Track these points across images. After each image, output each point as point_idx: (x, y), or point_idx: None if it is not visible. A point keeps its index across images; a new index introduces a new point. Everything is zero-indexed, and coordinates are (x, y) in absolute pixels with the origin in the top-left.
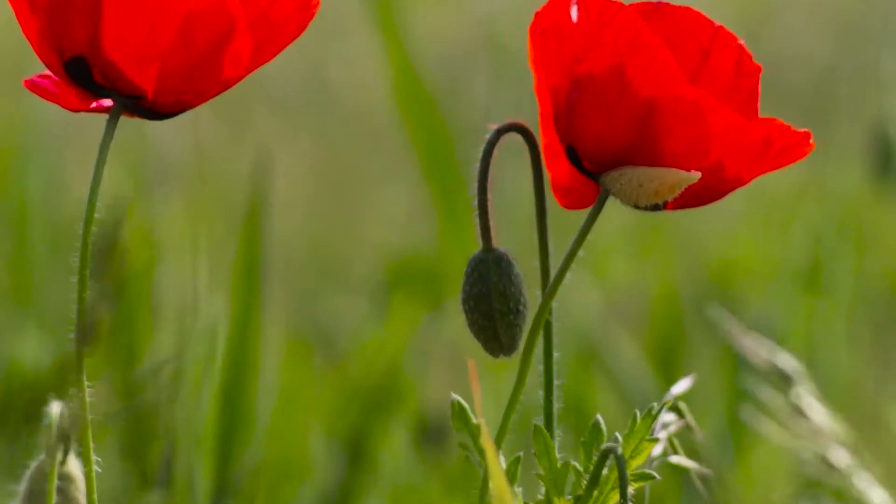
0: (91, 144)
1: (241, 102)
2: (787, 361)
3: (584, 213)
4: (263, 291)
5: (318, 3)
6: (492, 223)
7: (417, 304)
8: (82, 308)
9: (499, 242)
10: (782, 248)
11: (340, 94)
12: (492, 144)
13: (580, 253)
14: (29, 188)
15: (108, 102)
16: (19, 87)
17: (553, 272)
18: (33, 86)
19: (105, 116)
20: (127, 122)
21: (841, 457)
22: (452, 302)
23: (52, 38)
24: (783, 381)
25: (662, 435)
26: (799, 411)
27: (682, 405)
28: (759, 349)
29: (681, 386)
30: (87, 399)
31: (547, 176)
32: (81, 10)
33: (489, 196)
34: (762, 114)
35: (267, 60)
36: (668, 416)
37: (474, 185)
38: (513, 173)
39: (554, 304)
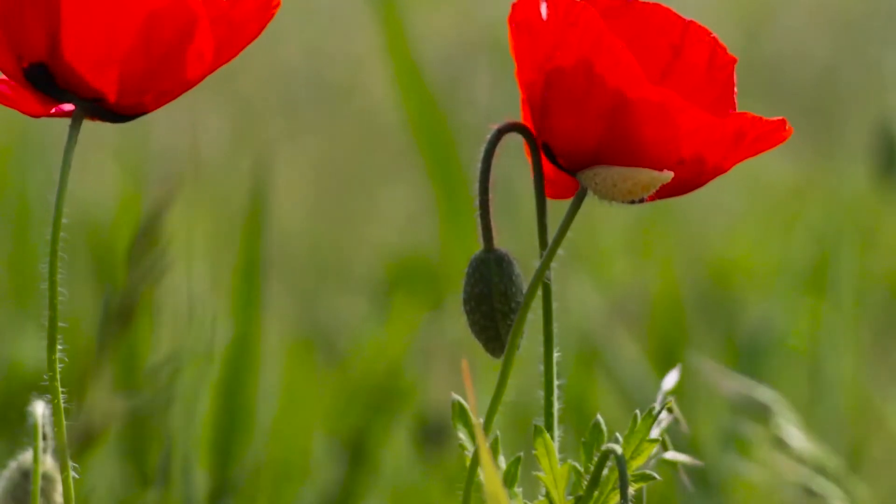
0: (91, 145)
1: (242, 102)
2: (764, 393)
3: (582, 214)
4: (264, 291)
5: (279, 4)
6: (493, 223)
7: (418, 304)
8: (54, 315)
9: (500, 242)
10: (784, 248)
11: (342, 94)
12: (493, 144)
13: (577, 252)
14: (29, 188)
15: (68, 107)
16: None
17: (553, 272)
18: None
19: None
20: (128, 123)
21: (823, 485)
22: (453, 301)
23: (9, 45)
24: (762, 412)
25: (655, 433)
26: (780, 442)
27: (672, 400)
28: (734, 384)
29: (670, 380)
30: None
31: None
32: (39, 16)
33: (490, 196)
34: (764, 115)
35: (227, 60)
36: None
37: (476, 185)
38: (514, 173)
39: (554, 305)
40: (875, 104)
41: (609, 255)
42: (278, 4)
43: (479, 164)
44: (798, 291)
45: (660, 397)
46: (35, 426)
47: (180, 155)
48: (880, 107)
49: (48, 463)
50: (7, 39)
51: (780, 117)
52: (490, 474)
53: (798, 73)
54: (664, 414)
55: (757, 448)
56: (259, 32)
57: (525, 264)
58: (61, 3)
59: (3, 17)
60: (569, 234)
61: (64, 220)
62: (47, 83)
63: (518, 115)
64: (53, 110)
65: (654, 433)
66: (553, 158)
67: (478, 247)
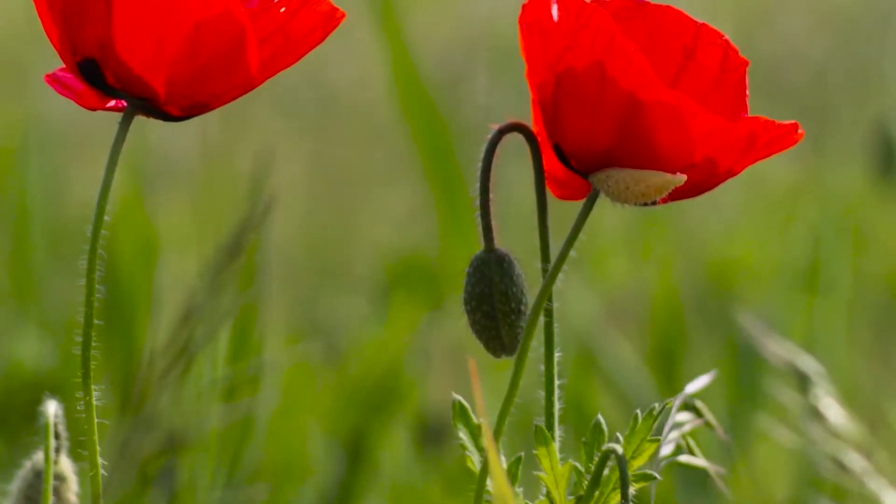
0: (91, 144)
1: (242, 102)
2: (807, 363)
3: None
4: (263, 291)
5: (343, 16)
6: (494, 223)
7: (417, 303)
8: (89, 312)
9: (500, 242)
10: (782, 248)
11: (341, 93)
12: (493, 144)
13: (576, 253)
14: (29, 188)
15: (123, 102)
16: (19, 87)
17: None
18: (54, 81)
19: (106, 120)
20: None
21: (855, 459)
22: (452, 302)
23: (67, 41)
24: (802, 382)
25: (674, 435)
26: (816, 413)
27: (700, 404)
28: (779, 350)
29: (695, 385)
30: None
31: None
32: (93, 13)
33: (491, 196)
34: (761, 115)
35: (285, 67)
36: (681, 416)
37: (476, 185)
38: (514, 173)
39: (554, 305)
40: (872, 104)
41: (608, 255)
42: (343, 16)
43: (479, 164)
44: (796, 291)
45: (677, 401)
46: (46, 425)
47: (180, 155)
48: (877, 106)
49: (63, 462)
50: (66, 33)
51: (791, 121)
52: (497, 475)
53: (795, 72)
54: (688, 416)
55: (793, 416)
56: (321, 41)
57: (526, 265)
58: (114, 3)
59: (65, 9)
60: (565, 233)
61: (64, 221)
62: (98, 79)
63: (517, 115)
64: (110, 104)
65: (674, 435)
66: (565, 160)
67: (477, 247)
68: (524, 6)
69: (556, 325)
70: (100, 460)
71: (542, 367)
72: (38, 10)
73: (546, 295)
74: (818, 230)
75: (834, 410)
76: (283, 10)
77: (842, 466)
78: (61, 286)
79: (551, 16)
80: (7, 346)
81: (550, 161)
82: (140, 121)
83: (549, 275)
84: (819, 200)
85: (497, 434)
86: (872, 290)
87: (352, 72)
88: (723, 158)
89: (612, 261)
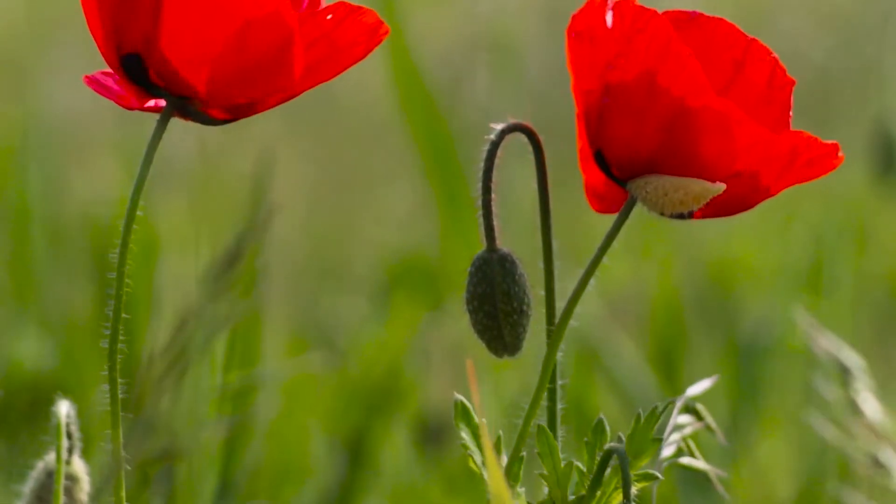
0: (91, 144)
1: None
2: (849, 357)
3: (584, 214)
4: (264, 294)
5: (387, 31)
6: (496, 223)
7: (418, 303)
8: (118, 306)
9: (502, 242)
10: (783, 248)
11: (341, 93)
12: (496, 145)
13: (576, 253)
14: (29, 188)
15: (162, 102)
16: (19, 87)
17: (556, 273)
18: (93, 82)
19: (106, 120)
20: (127, 122)
21: (890, 457)
22: (453, 301)
23: (112, 35)
24: (844, 375)
25: (676, 436)
26: (854, 407)
27: (701, 407)
28: (822, 342)
29: (697, 388)
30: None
31: (556, 171)
32: (141, 7)
33: (493, 196)
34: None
35: (329, 78)
36: (683, 418)
37: (478, 185)
38: (516, 173)
39: (556, 305)
40: (873, 104)
41: (608, 255)
42: (387, 32)
43: (481, 164)
44: (797, 291)
45: (679, 403)
46: (58, 425)
47: (180, 155)
48: (878, 106)
49: (75, 463)
50: (112, 27)
51: (833, 141)
52: (495, 475)
53: (796, 72)
54: (688, 419)
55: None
56: (365, 55)
57: (527, 265)
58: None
59: (113, 5)
60: (571, 234)
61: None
62: (141, 75)
63: (518, 115)
64: (148, 104)
65: (675, 437)
66: (606, 168)
67: (478, 246)
68: (574, 16)
69: (556, 325)
70: (123, 454)
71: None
72: (83, 4)
73: (576, 302)
74: (819, 230)
75: (871, 405)
76: (329, 17)
77: (877, 462)
78: (61, 286)
79: (604, 22)
80: (7, 347)
81: (591, 174)
82: (140, 121)
83: (580, 282)
84: (820, 200)
85: (522, 435)
86: (873, 290)
87: (352, 72)
88: (764, 172)
89: (612, 261)
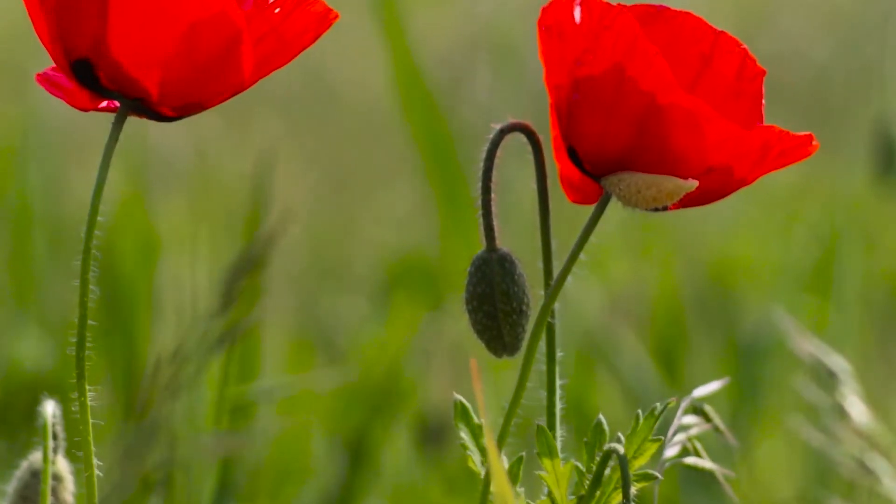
0: (91, 144)
1: (241, 101)
2: (835, 361)
3: (585, 214)
4: (264, 291)
5: (336, 16)
6: (495, 223)
7: (418, 303)
8: (83, 312)
9: (501, 242)
10: (784, 248)
11: (341, 93)
12: (495, 144)
13: (581, 254)
14: (29, 188)
15: (116, 102)
16: (19, 87)
17: (556, 273)
18: (45, 80)
19: (106, 120)
20: (126, 122)
21: (877, 460)
22: (453, 301)
23: (60, 40)
24: (830, 379)
25: (681, 437)
26: (841, 411)
27: (709, 409)
28: (808, 346)
29: (704, 389)
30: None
31: (556, 170)
32: (88, 13)
33: (493, 196)
34: (762, 115)
35: (277, 68)
36: (688, 419)
37: (478, 185)
38: (516, 173)
39: (556, 305)
40: (873, 103)
41: (609, 255)
42: (336, 17)
43: (480, 164)
44: (798, 291)
45: (684, 404)
46: (45, 426)
47: (180, 155)
48: (879, 106)
49: (60, 463)
50: (59, 32)
51: (806, 132)
52: (498, 474)
53: (797, 72)
54: (694, 419)
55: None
56: (313, 41)
57: (527, 265)
58: (110, 2)
59: (58, 9)
60: (572, 234)
61: (64, 221)
62: (91, 79)
63: (518, 114)
64: (102, 105)
65: (680, 437)
66: (578, 163)
67: (478, 246)
68: (544, 9)
69: (557, 324)
70: (95, 461)
71: (544, 367)
72: (29, 10)
73: (554, 299)
74: (820, 230)
75: (858, 409)
76: (277, 10)
77: (863, 466)
78: (61, 286)
79: (573, 18)
80: (7, 347)
81: (566, 165)
82: (140, 121)
83: (558, 278)
84: (821, 200)
85: (503, 436)
86: (876, 290)
87: (352, 72)
88: (736, 166)
89: (613, 260)
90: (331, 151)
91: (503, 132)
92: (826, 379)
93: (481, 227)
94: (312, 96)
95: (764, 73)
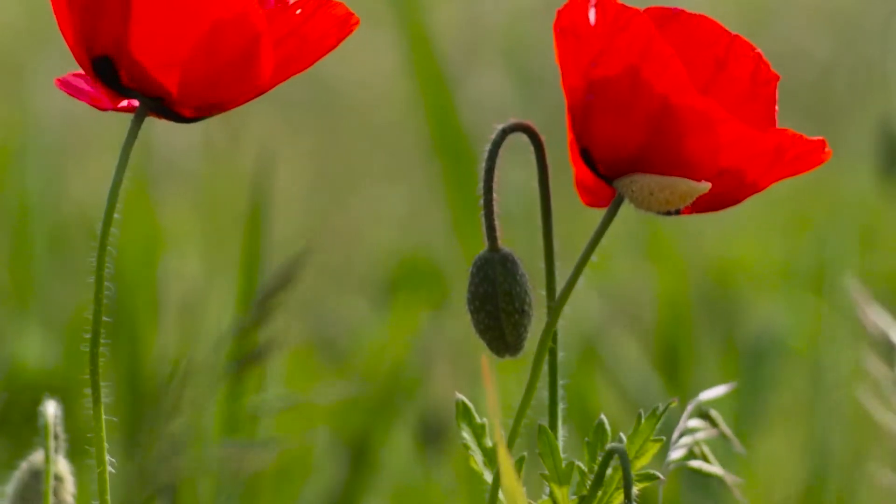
0: (91, 144)
1: None
2: None
3: (586, 214)
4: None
5: (358, 21)
6: (497, 223)
7: (420, 303)
8: (98, 308)
9: (504, 242)
10: (787, 249)
11: (342, 93)
12: (497, 144)
13: (575, 253)
14: (29, 188)
15: (135, 102)
16: (19, 87)
17: (557, 273)
18: (65, 84)
19: (106, 120)
20: (127, 122)
21: None
22: (454, 301)
23: (82, 37)
24: (891, 352)
25: (686, 440)
26: None
27: (715, 413)
28: (876, 317)
29: (710, 393)
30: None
31: (556, 170)
32: (111, 11)
33: (495, 196)
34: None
35: (301, 71)
36: (694, 422)
37: (480, 185)
38: (516, 173)
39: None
40: (876, 103)
41: (611, 255)
42: (357, 22)
43: (483, 164)
44: (801, 292)
45: (690, 407)
46: (46, 426)
47: (183, 154)
48: (881, 106)
49: (60, 463)
50: (82, 30)
51: (819, 137)
52: (507, 472)
53: (799, 72)
54: (700, 423)
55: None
56: (335, 46)
57: (529, 265)
58: (132, 1)
59: (83, 6)
60: (573, 235)
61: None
62: (112, 78)
63: (523, 114)
64: (122, 104)
65: (685, 440)
66: (592, 165)
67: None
68: (559, 11)
69: (559, 325)
70: (107, 458)
71: (546, 367)
72: (54, 6)
73: (564, 301)
74: (823, 231)
75: None
76: (298, 12)
77: None
78: (61, 286)
79: (587, 19)
80: (9, 347)
81: (580, 168)
82: (143, 121)
83: (569, 281)
84: (824, 201)
85: (512, 437)
86: (878, 290)
87: (352, 71)
88: (750, 169)
89: (615, 261)
90: (331, 151)
91: (505, 132)
92: (888, 352)
93: (483, 227)
94: (312, 96)
95: (778, 77)
